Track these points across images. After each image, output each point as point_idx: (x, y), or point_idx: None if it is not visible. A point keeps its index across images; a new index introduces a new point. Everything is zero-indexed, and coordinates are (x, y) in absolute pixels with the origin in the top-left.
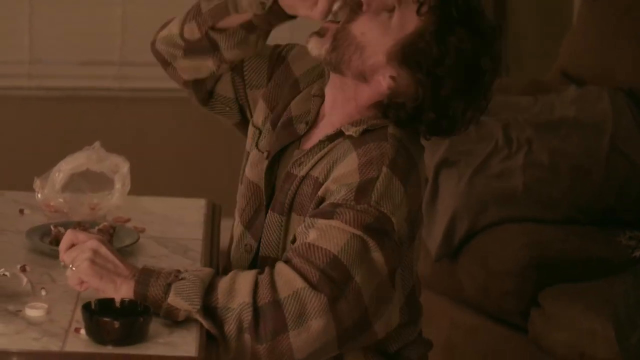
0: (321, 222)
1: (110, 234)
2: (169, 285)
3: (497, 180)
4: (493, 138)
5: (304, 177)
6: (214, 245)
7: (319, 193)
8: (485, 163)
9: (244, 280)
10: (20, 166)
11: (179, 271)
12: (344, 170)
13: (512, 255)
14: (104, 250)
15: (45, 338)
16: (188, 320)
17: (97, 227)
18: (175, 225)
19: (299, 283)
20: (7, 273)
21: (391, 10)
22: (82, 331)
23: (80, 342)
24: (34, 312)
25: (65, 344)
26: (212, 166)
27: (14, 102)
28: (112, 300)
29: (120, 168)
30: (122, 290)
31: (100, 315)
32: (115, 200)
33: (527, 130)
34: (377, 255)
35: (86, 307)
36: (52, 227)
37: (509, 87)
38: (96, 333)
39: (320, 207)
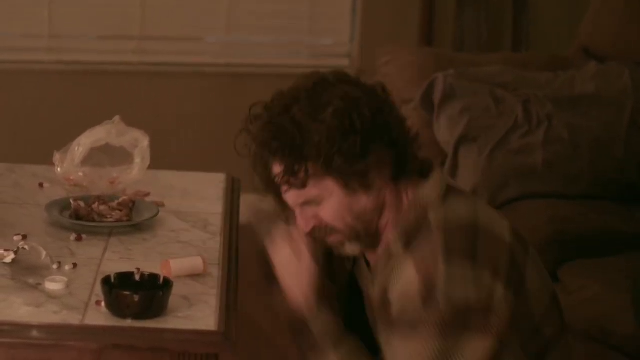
0: (402, 343)
1: (129, 208)
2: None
3: (517, 156)
4: (513, 114)
5: (372, 294)
6: (233, 220)
7: (388, 310)
8: (506, 139)
9: None
10: (40, 140)
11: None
12: (405, 282)
13: (532, 230)
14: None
15: (65, 311)
16: (207, 294)
17: (116, 201)
18: (194, 199)
19: None
20: (26, 247)
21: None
22: (103, 304)
23: (100, 315)
24: (53, 285)
25: (85, 317)
26: (232, 140)
27: (34, 77)
28: (131, 274)
29: (140, 142)
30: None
31: (120, 289)
32: (134, 174)
33: (547, 106)
34: (470, 349)
35: (106, 280)
36: (71, 201)
37: (530, 63)
38: (116, 306)
39: (396, 323)
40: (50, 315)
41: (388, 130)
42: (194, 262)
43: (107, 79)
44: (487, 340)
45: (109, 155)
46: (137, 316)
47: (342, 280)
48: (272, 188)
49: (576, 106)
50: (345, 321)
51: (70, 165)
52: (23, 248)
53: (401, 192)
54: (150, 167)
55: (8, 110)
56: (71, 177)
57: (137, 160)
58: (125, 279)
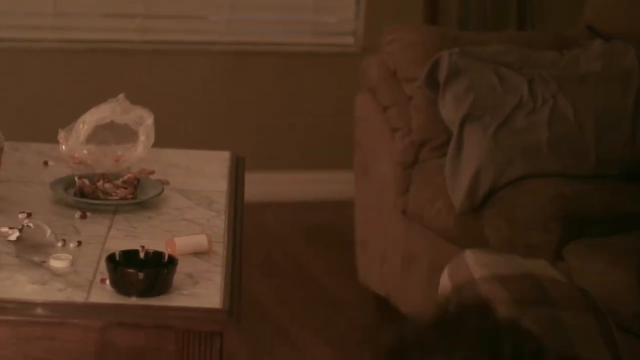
0: None
1: (134, 186)
2: None
3: (522, 135)
4: (518, 92)
5: None
6: (238, 198)
7: None
8: (511, 117)
9: None
10: (44, 118)
11: None
12: None
13: (537, 209)
14: None
15: (70, 289)
16: (212, 272)
17: (121, 179)
18: (199, 177)
19: None
20: (31, 224)
21: None
22: (107, 282)
23: (105, 293)
24: (58, 263)
25: (90, 295)
26: (236, 119)
27: (38, 55)
28: (136, 251)
29: (144, 120)
30: None
31: (124, 267)
32: (139, 152)
33: (552, 84)
34: None
35: (110, 258)
36: (76, 179)
37: (535, 42)
38: (120, 284)
39: None
40: (55, 292)
41: None
42: (199, 240)
43: (112, 57)
44: None
45: (113, 133)
46: (142, 294)
47: None
48: None
49: (582, 85)
50: None
51: (75, 143)
52: (28, 226)
53: None
54: (154, 145)
55: (13, 89)
56: (76, 155)
57: (142, 138)
58: (129, 256)
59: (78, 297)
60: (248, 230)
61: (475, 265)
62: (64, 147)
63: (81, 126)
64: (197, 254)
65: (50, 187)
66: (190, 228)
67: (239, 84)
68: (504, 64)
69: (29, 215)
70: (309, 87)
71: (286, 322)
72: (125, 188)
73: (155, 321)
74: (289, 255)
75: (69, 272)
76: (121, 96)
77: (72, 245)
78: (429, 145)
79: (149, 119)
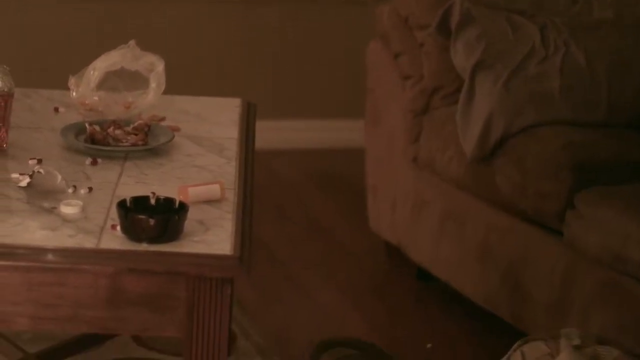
0: None
1: (145, 132)
2: None
3: (533, 83)
4: (530, 40)
5: None
6: (249, 145)
7: None
8: (522, 65)
9: None
10: (55, 65)
11: None
12: None
13: (548, 156)
14: None
15: (81, 235)
16: (223, 219)
17: (132, 125)
18: (210, 124)
19: None
20: (41, 170)
21: None
22: (118, 228)
23: (115, 239)
24: (69, 209)
25: (100, 241)
26: (248, 66)
27: (49, 1)
28: (147, 197)
29: (155, 67)
30: None
31: (135, 213)
32: (150, 99)
33: (564, 32)
34: None
35: (121, 204)
36: (87, 125)
37: None
38: (131, 230)
39: None
40: (66, 238)
41: None
42: (212, 189)
43: (123, 2)
44: None
45: (124, 80)
46: (153, 240)
47: None
48: None
49: (594, 32)
50: None
51: (86, 89)
52: (38, 172)
53: None
54: (165, 92)
55: (23, 35)
56: (86, 102)
57: (153, 84)
58: (140, 202)
59: (89, 243)
60: (259, 177)
61: None
62: (74, 93)
63: (92, 73)
64: (209, 201)
65: (60, 133)
66: (201, 175)
67: (250, 31)
68: (516, 11)
69: (40, 161)
70: (321, 34)
71: (296, 269)
72: (136, 135)
73: (166, 267)
74: (299, 203)
75: (80, 218)
76: (132, 42)
77: (82, 191)
78: (440, 93)
79: (159, 66)
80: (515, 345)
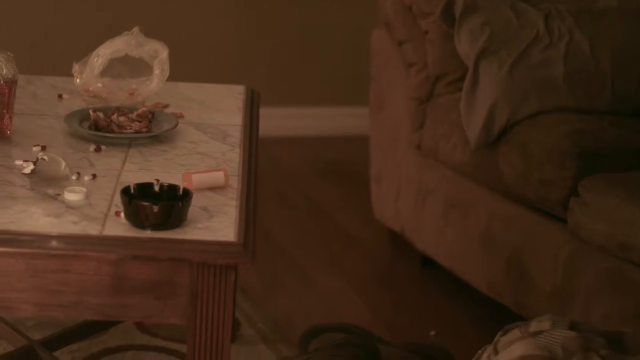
0: None
1: (149, 119)
2: None
3: (537, 70)
4: (534, 27)
5: None
6: (252, 132)
7: None
8: (526, 52)
9: None
10: (58, 51)
11: None
12: None
13: (552, 144)
14: None
15: (84, 222)
16: (227, 206)
17: (135, 112)
18: (213, 111)
19: None
20: (45, 157)
21: None
22: (122, 215)
23: (119, 225)
24: (73, 195)
25: (104, 228)
26: (252, 53)
27: None
28: (151, 184)
29: (159, 54)
30: None
31: (139, 199)
32: (154, 85)
33: (568, 19)
34: None
35: (125, 191)
36: (90, 112)
37: None
38: (135, 217)
39: None
40: (70, 225)
41: None
42: (216, 176)
43: None
44: None
45: (128, 67)
46: (156, 227)
47: None
48: None
49: (598, 20)
50: None
51: (90, 76)
52: (42, 158)
53: None
54: (169, 79)
55: (27, 21)
56: (90, 88)
57: (156, 71)
58: (144, 189)
59: (93, 229)
60: (262, 165)
61: None
62: (78, 80)
63: (96, 59)
64: (212, 188)
65: (64, 120)
66: (205, 161)
67: (254, 18)
68: None
69: (44, 148)
70: (325, 21)
71: (300, 256)
72: (140, 121)
73: (170, 254)
74: (303, 190)
75: (84, 204)
76: (136, 29)
77: (86, 178)
78: (444, 81)
79: (163, 53)
80: (497, 335)
